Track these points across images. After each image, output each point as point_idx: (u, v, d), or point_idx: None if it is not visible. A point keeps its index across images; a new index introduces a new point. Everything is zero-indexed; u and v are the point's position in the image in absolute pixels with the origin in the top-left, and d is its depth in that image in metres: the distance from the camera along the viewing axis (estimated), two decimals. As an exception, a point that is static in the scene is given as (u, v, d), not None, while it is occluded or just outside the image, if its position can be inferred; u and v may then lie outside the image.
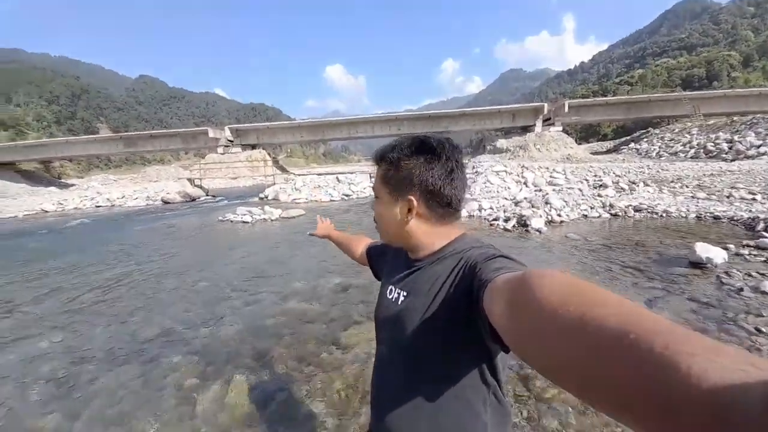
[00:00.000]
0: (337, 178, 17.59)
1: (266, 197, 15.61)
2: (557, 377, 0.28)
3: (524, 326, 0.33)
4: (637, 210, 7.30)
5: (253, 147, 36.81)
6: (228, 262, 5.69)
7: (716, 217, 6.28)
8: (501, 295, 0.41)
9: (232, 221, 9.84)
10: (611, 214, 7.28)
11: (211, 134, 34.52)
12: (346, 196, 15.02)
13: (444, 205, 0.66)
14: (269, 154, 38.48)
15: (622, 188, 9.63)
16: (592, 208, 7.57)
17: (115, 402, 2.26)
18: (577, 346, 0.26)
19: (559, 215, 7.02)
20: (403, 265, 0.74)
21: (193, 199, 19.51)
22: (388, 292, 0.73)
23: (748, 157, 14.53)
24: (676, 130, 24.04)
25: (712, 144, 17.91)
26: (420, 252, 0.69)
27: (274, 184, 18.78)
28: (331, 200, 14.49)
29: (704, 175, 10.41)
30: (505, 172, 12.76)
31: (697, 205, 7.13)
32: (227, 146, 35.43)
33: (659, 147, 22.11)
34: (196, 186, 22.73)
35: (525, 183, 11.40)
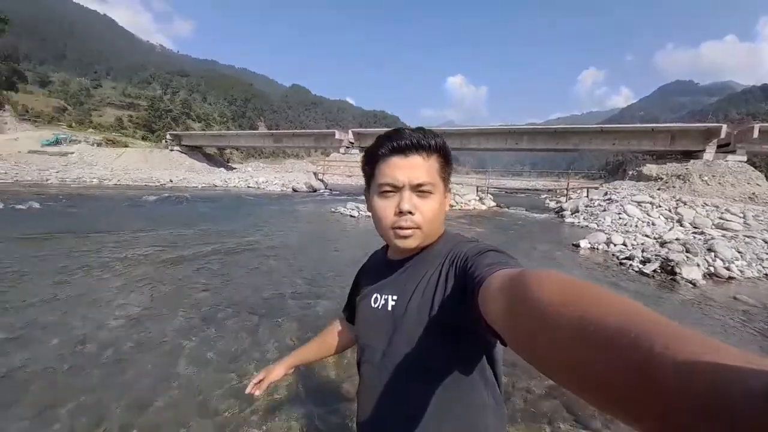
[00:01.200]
0: (443, 187, 17.54)
1: (374, 197, 16.71)
2: (558, 376, 0.28)
3: (524, 325, 0.33)
4: None
5: (370, 150, 40.09)
6: (333, 248, 6.27)
7: None
8: (498, 293, 0.40)
9: (341, 213, 10.89)
10: (821, 282, 5.15)
11: (337, 136, 39.35)
12: (451, 206, 14.78)
13: None
14: (383, 157, 41.15)
15: None
16: (785, 267, 5.52)
17: (235, 340, 2.76)
18: (577, 345, 0.26)
19: (727, 268, 5.33)
20: (384, 269, 0.71)
21: (315, 190, 22.34)
22: (372, 301, 0.69)
23: None
24: None
25: None
26: (418, 247, 0.65)
27: (383, 185, 19.92)
28: (433, 208, 14.52)
29: None
30: (651, 204, 10.46)
31: None
32: (348, 147, 39.56)
33: None
34: (318, 179, 25.93)
35: (679, 221, 9.12)
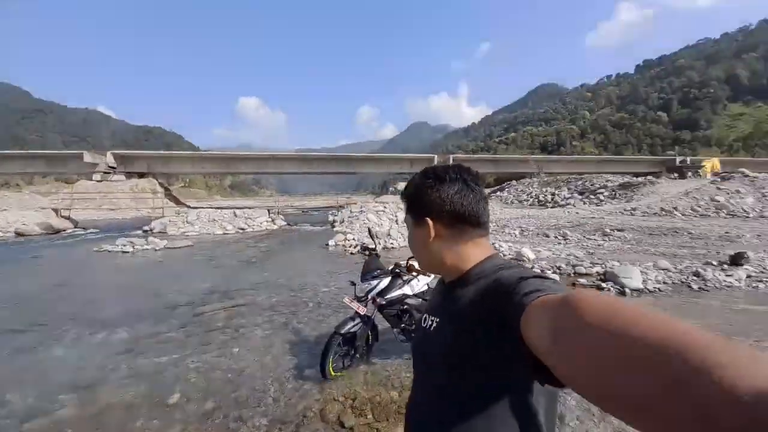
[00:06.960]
0: (234, 212, 17.99)
1: (151, 230, 15.00)
2: (603, 401, 0.27)
3: (569, 350, 0.32)
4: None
5: (141, 175, 33.50)
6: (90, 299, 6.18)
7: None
8: (542, 319, 0.40)
9: (110, 251, 9.66)
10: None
11: (87, 159, 30.35)
12: (241, 229, 15.63)
13: (460, 220, 0.68)
14: (161, 184, 35.45)
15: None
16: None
17: None
18: (621, 365, 0.25)
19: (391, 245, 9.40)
20: (438, 293, 0.75)
21: (57, 232, 17.19)
22: (422, 320, 0.73)
23: (559, 205, 20.35)
24: (527, 183, 30.93)
25: (543, 196, 24.30)
26: (451, 275, 0.69)
27: (163, 216, 18.04)
28: (224, 233, 14.91)
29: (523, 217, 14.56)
30: (383, 211, 15.40)
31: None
32: (107, 173, 31.51)
33: (512, 195, 28.45)
34: (62, 216, 19.94)
35: (396, 221, 14.07)
